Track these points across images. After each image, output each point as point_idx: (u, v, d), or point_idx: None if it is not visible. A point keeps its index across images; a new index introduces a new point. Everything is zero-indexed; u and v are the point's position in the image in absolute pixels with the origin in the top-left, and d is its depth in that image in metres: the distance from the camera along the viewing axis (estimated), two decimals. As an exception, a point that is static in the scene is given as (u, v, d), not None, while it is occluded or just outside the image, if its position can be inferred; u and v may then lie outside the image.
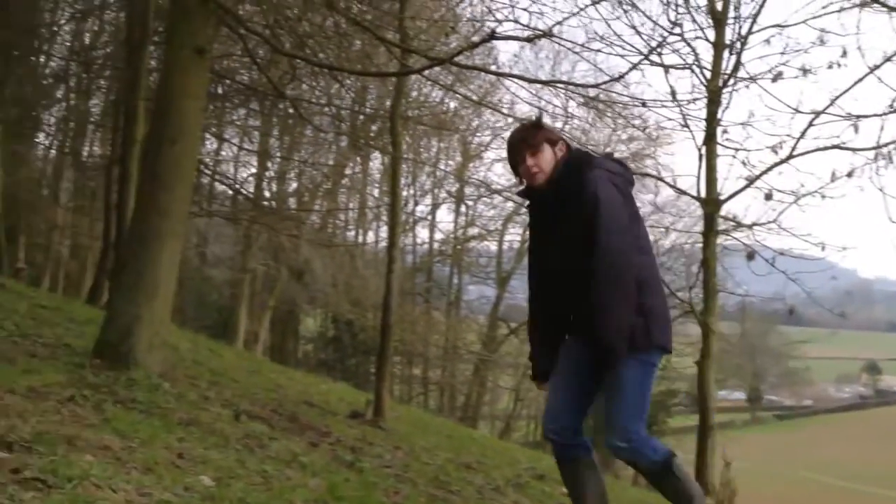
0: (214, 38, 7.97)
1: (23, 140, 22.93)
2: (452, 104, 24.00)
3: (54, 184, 26.85)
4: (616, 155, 4.53)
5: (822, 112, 10.58)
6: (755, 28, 10.95)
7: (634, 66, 8.61)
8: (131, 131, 13.78)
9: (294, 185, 26.26)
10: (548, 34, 6.51)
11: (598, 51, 11.20)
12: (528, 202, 4.31)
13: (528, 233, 4.49)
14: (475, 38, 8.37)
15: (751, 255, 11.38)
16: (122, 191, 13.93)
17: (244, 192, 22.80)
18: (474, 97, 18.51)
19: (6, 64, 17.87)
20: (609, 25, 11.01)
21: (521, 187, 4.26)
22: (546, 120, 4.38)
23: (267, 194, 25.19)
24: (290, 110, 16.40)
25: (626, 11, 10.83)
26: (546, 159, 4.05)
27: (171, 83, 7.37)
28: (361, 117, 20.08)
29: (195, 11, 7.17)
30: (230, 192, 23.80)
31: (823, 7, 10.31)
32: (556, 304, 4.14)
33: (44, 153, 27.60)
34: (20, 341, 7.48)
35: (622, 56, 11.34)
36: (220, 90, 16.48)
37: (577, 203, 3.90)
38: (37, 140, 25.54)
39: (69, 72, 21.75)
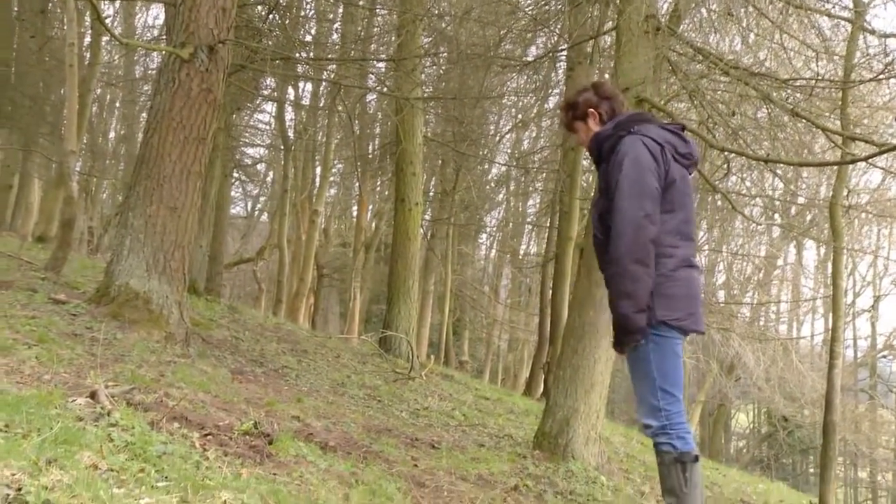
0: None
1: (468, 241, 25.07)
2: (896, 189, 22.32)
3: (494, 281, 28.87)
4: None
5: None
6: None
7: None
8: (566, 229, 14.51)
9: (722, 277, 25.83)
10: None
11: None
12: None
13: None
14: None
15: None
16: (557, 287, 14.60)
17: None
18: (924, 180, 17.08)
19: (457, 172, 19.74)
20: None
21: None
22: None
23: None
24: (718, 203, 16.23)
25: None
26: (581, 136, 4.21)
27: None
28: (794, 206, 19.34)
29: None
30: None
31: None
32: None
33: (485, 253, 29.92)
34: (468, 430, 8.06)
35: None
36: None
37: (609, 165, 3.90)
38: (479, 241, 27.78)
39: (510, 176, 23.51)
